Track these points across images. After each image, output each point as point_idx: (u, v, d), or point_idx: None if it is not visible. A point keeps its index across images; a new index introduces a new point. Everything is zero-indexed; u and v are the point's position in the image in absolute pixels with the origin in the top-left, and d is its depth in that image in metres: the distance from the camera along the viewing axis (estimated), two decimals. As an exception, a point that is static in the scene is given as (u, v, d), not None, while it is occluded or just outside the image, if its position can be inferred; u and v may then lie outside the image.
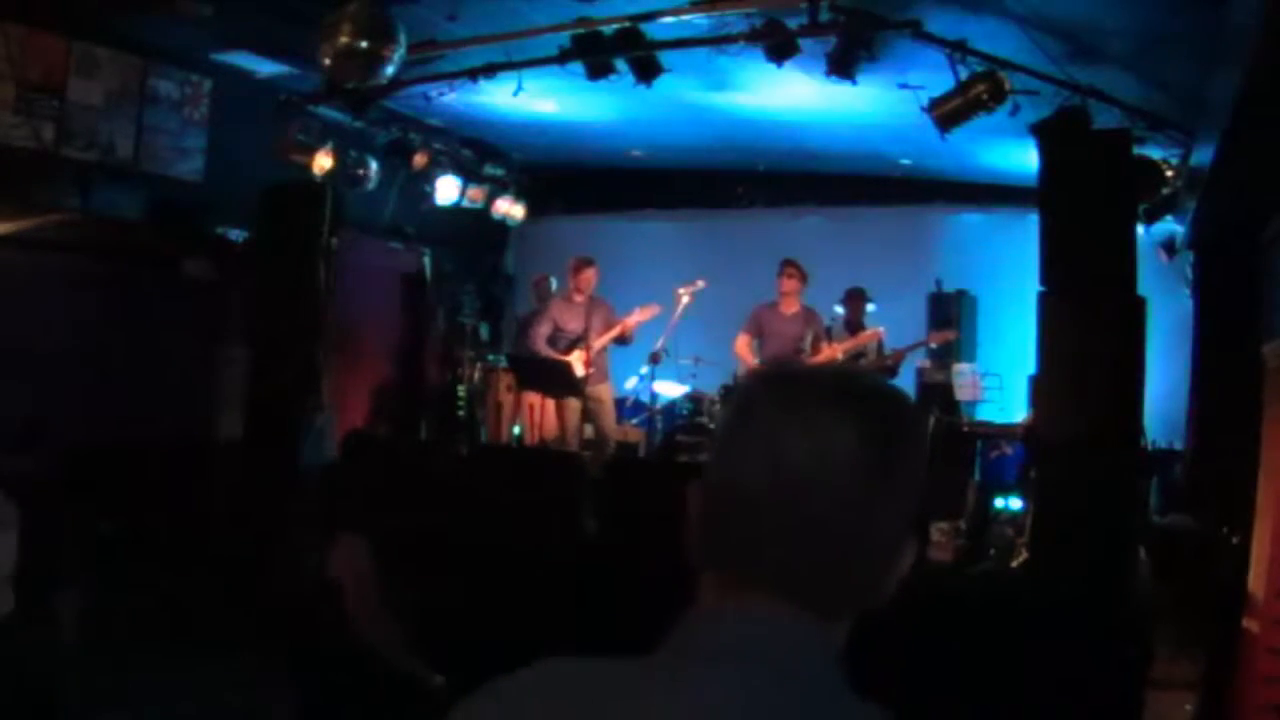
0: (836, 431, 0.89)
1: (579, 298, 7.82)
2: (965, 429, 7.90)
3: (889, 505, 0.91)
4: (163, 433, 6.40)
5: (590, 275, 7.79)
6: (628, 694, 0.88)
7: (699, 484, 0.96)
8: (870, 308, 8.12)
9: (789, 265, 7.71)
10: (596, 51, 6.14)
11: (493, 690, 0.93)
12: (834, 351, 7.53)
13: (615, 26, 5.97)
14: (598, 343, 7.65)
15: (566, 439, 7.75)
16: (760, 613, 0.89)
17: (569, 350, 7.69)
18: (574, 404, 7.69)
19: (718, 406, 8.44)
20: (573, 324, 7.76)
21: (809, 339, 7.62)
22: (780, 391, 0.94)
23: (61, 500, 5.05)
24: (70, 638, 3.65)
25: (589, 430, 7.83)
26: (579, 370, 7.55)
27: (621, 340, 7.70)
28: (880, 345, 7.79)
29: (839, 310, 8.14)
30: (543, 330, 7.83)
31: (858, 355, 7.65)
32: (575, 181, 10.48)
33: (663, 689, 0.88)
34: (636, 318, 7.61)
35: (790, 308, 7.72)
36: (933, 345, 8.24)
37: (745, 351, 7.72)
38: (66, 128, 6.48)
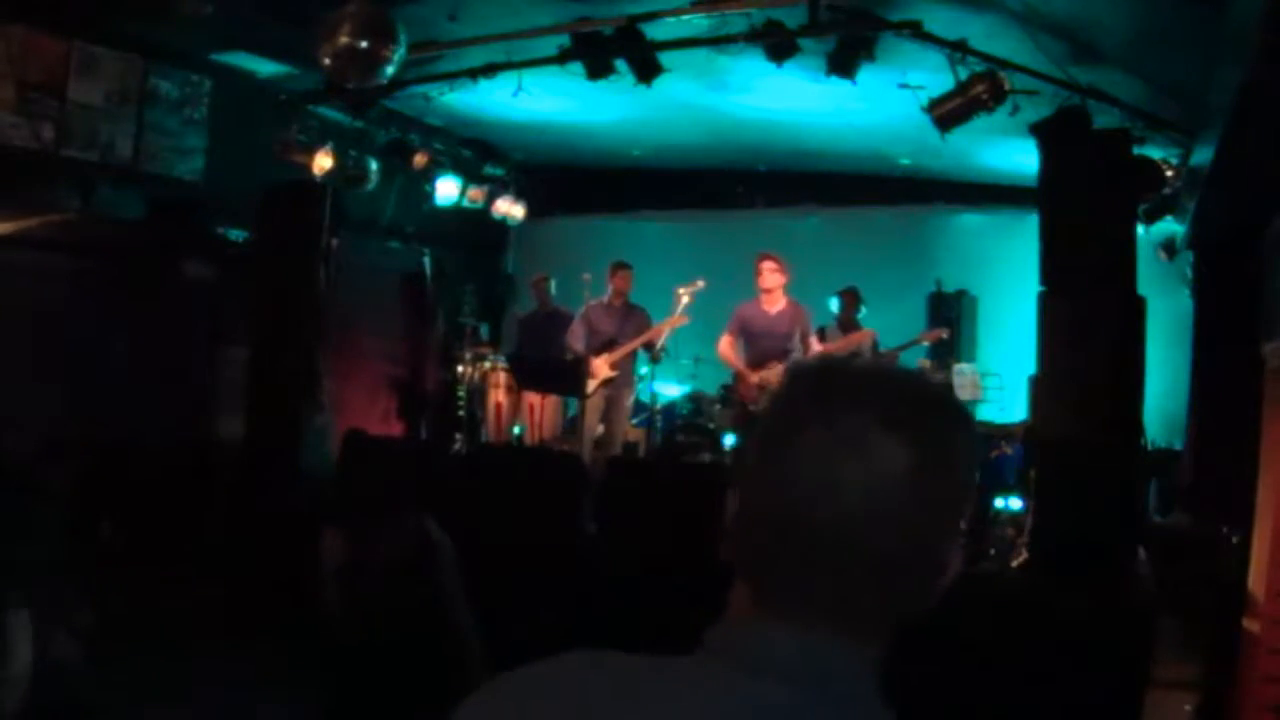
0: (895, 458, 0.85)
1: (616, 301, 7.86)
2: (965, 429, 7.88)
3: (944, 523, 0.89)
4: (163, 433, 6.40)
5: (624, 278, 7.83)
6: (659, 695, 0.86)
7: (739, 490, 0.91)
8: (863, 311, 8.09)
9: (767, 258, 7.20)
10: (596, 51, 6.14)
11: (510, 681, 0.90)
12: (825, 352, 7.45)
13: (615, 26, 5.98)
14: (625, 347, 7.65)
15: (581, 437, 7.72)
16: (803, 630, 0.86)
17: (600, 352, 7.68)
18: (595, 402, 7.68)
19: (718, 407, 8.43)
20: (607, 327, 7.77)
21: (797, 337, 7.23)
22: (832, 408, 0.88)
23: (63, 500, 5.05)
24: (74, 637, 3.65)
25: (600, 429, 7.83)
26: (606, 372, 7.56)
27: (650, 349, 7.63)
28: (875, 344, 7.74)
29: (834, 309, 8.12)
30: (578, 331, 7.83)
31: (850, 355, 7.58)
32: (575, 181, 10.47)
33: (699, 693, 0.85)
34: (666, 326, 7.57)
35: (774, 304, 7.23)
36: (924, 343, 8.23)
37: (729, 353, 7.35)
38: (66, 128, 6.47)
